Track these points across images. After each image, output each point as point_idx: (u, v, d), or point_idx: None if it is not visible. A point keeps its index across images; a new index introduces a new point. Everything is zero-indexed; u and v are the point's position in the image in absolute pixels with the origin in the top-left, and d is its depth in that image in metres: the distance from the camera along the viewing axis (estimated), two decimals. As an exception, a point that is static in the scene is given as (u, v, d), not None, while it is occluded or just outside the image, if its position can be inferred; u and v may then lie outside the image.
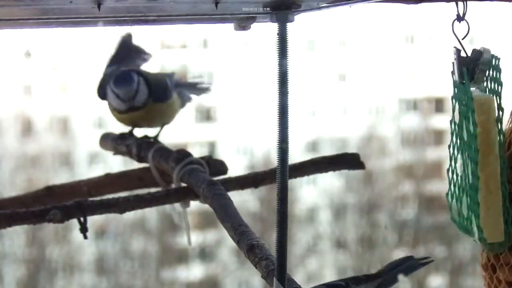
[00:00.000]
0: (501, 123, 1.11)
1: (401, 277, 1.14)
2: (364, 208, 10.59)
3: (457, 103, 1.14)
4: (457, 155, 1.14)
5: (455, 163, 1.14)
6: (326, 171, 1.68)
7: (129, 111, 1.68)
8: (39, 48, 9.52)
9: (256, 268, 1.20)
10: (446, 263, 9.97)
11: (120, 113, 1.67)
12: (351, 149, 9.83)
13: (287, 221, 1.11)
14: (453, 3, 1.11)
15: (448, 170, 1.15)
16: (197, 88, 1.82)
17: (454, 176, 1.15)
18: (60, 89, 10.36)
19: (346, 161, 1.68)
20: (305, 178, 1.69)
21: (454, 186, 1.15)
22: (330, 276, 10.37)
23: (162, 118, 1.73)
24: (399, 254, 10.19)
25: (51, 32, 8.68)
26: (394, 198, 10.59)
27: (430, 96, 11.00)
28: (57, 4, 0.99)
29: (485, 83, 1.13)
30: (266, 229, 8.24)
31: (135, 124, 1.73)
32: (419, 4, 1.14)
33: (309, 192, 10.53)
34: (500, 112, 1.11)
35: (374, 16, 10.19)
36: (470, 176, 1.11)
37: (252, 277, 9.37)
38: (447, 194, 1.16)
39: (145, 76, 1.68)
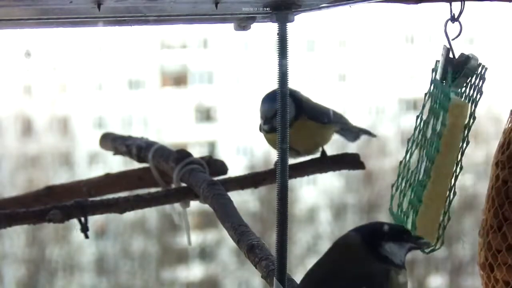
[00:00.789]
0: (468, 131, 1.11)
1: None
2: (364, 208, 10.59)
3: (429, 100, 1.14)
4: (414, 150, 1.15)
5: (410, 157, 1.15)
6: (326, 171, 1.68)
7: (274, 132, 1.63)
8: (39, 48, 9.52)
9: (256, 268, 1.21)
10: (446, 263, 9.97)
11: (267, 133, 1.61)
12: (351, 149, 9.81)
13: (287, 221, 1.11)
14: (453, 3, 1.11)
15: (400, 162, 1.16)
16: (357, 132, 1.76)
17: (405, 170, 1.16)
18: (60, 89, 10.36)
19: (346, 161, 1.68)
20: (305, 178, 1.69)
21: (402, 179, 1.16)
22: (330, 276, 10.38)
23: (316, 139, 1.66)
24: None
25: (51, 32, 8.68)
26: (394, 198, 10.59)
27: (430, 96, 11.00)
28: (57, 4, 0.99)
29: (464, 89, 1.14)
30: (266, 229, 8.24)
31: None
32: (419, 4, 1.14)
33: (309, 192, 10.53)
34: (471, 120, 1.11)
35: (374, 16, 10.19)
36: (422, 173, 1.12)
37: (252, 277, 9.37)
38: (392, 185, 1.17)
39: (295, 96, 1.61)
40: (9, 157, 9.97)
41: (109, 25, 1.13)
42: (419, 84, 11.57)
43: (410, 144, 1.16)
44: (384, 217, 10.67)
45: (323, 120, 1.66)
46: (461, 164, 1.12)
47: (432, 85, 1.14)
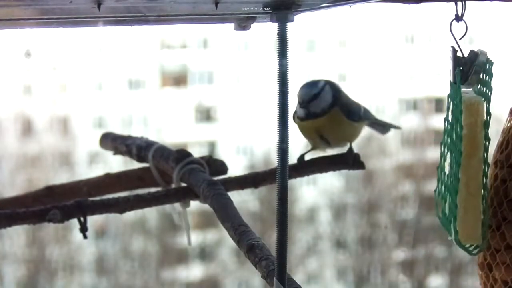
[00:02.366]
0: (488, 128, 1.12)
1: (401, 277, 1.14)
2: (364, 208, 10.59)
3: (451, 102, 1.15)
4: (447, 153, 1.15)
5: (444, 161, 1.16)
6: (326, 171, 1.69)
7: (308, 118, 1.61)
8: (39, 48, 9.52)
9: (256, 268, 1.21)
10: (446, 263, 9.98)
11: (301, 121, 1.61)
12: (351, 149, 9.81)
13: (287, 221, 1.11)
14: (453, 3, 1.11)
15: (438, 167, 1.16)
16: (385, 126, 1.81)
17: (442, 174, 1.16)
18: (60, 89, 10.36)
19: (346, 161, 1.68)
20: (305, 178, 1.70)
21: (442, 184, 1.17)
22: (330, 276, 10.38)
23: (345, 132, 1.66)
24: (399, 254, 10.20)
25: (51, 32, 8.69)
26: (394, 198, 10.60)
27: (430, 96, 11.00)
28: (57, 4, 0.99)
29: (478, 86, 1.14)
30: (266, 229, 8.24)
31: (318, 133, 1.64)
32: (419, 4, 1.14)
33: (309, 192, 10.53)
34: (488, 117, 1.11)
35: (374, 16, 10.19)
36: (453, 177, 1.12)
37: (252, 277, 9.37)
38: (435, 190, 1.17)
39: (334, 86, 1.63)
40: (9, 157, 9.97)
41: (109, 25, 1.13)
42: (419, 84, 11.63)
43: (442, 148, 1.16)
44: (384, 217, 10.68)
45: (353, 117, 1.66)
46: (487, 161, 1.12)
47: (451, 87, 1.15)
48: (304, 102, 1.59)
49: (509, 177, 1.14)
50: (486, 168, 1.12)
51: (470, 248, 1.14)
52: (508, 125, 1.18)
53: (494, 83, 1.13)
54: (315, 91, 1.59)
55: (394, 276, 10.08)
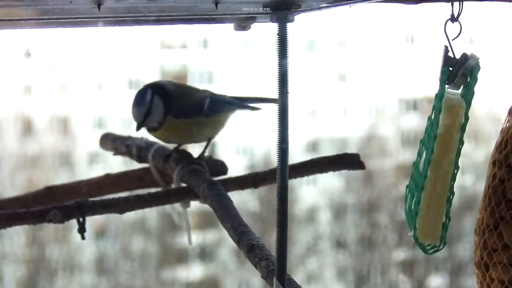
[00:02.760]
0: (464, 132, 1.13)
1: (401, 277, 1.15)
2: (364, 208, 10.58)
3: (437, 101, 1.15)
4: (424, 151, 1.16)
5: (420, 158, 1.16)
6: (326, 171, 1.69)
7: (151, 131, 1.65)
8: (39, 48, 9.51)
9: (256, 268, 1.21)
10: (446, 263, 9.97)
11: (149, 132, 1.66)
12: (351, 149, 9.83)
13: (287, 221, 1.11)
14: (453, 3, 1.12)
15: (413, 163, 1.17)
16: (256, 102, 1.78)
17: (415, 171, 1.17)
18: (60, 89, 10.36)
19: (346, 161, 1.69)
20: (305, 178, 1.70)
21: (413, 180, 1.17)
22: (330, 276, 10.38)
23: (194, 133, 1.67)
24: (399, 254, 10.20)
25: (51, 32, 8.68)
26: (394, 198, 10.59)
27: (430, 96, 10.95)
28: (57, 4, 0.99)
29: (462, 89, 1.15)
30: (266, 229, 8.24)
31: (168, 141, 1.68)
32: (419, 4, 1.14)
33: (309, 192, 10.53)
34: (466, 121, 1.12)
35: (374, 16, 10.19)
36: (423, 174, 1.13)
37: (252, 277, 9.37)
38: (406, 186, 1.18)
39: (164, 92, 1.62)
40: (9, 157, 9.97)
41: (109, 25, 1.13)
42: (419, 84, 11.63)
43: (420, 145, 1.16)
44: (384, 217, 10.68)
45: (193, 115, 1.64)
46: (457, 165, 1.13)
47: (439, 86, 1.15)
48: (138, 125, 1.62)
49: (508, 177, 1.15)
50: (456, 171, 1.13)
51: (427, 247, 1.15)
52: (507, 125, 1.18)
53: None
54: (144, 110, 1.59)
55: (394, 276, 10.08)
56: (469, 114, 1.10)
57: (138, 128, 1.61)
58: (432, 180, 1.11)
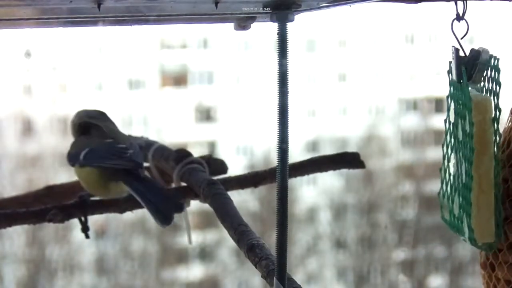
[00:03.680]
0: (498, 123, 1.12)
1: (401, 277, 1.15)
2: (364, 208, 10.58)
3: (452, 102, 1.14)
4: (451, 154, 1.15)
5: (448, 162, 1.15)
6: (326, 170, 1.69)
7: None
8: (39, 48, 9.51)
9: (256, 268, 1.21)
10: (446, 263, 9.97)
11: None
12: (351, 149, 9.79)
13: (287, 221, 1.11)
14: (453, 3, 1.11)
15: (441, 169, 1.16)
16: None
17: (447, 175, 1.16)
18: (60, 89, 10.36)
19: (346, 160, 1.68)
20: (305, 178, 1.69)
21: (446, 185, 1.16)
22: (330, 276, 10.38)
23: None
24: (399, 254, 10.20)
25: (51, 32, 8.68)
26: (394, 198, 10.59)
27: (430, 96, 10.99)
28: (57, 4, 0.99)
29: (482, 83, 1.14)
30: (266, 229, 8.23)
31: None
32: (419, 4, 1.14)
33: (309, 192, 10.53)
34: (497, 112, 1.11)
35: (374, 16, 10.19)
36: (464, 176, 1.11)
37: (252, 277, 9.37)
38: (438, 193, 1.17)
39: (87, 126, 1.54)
40: (9, 157, 9.97)
41: (109, 25, 1.13)
42: (419, 84, 11.62)
43: (445, 149, 1.15)
44: (384, 217, 10.68)
45: (70, 162, 1.54)
46: (498, 158, 1.12)
47: (451, 87, 1.14)
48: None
49: (511, 177, 1.14)
50: (498, 165, 1.12)
51: (484, 247, 1.14)
52: (509, 124, 1.18)
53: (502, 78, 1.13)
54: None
55: (394, 276, 10.08)
56: (499, 106, 1.10)
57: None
58: (476, 180, 1.10)
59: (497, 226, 1.12)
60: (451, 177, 1.14)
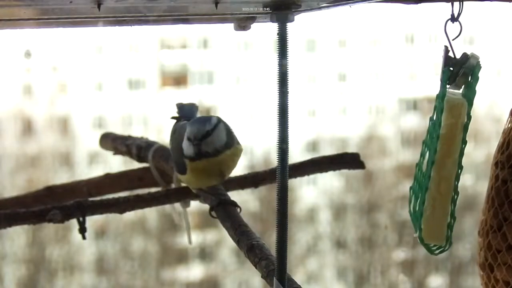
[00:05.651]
0: (466, 131, 1.12)
1: (401, 277, 1.15)
2: (364, 208, 10.59)
3: (437, 101, 1.15)
4: (426, 152, 1.15)
5: (423, 159, 1.16)
6: (326, 170, 1.68)
7: (197, 158, 1.43)
8: (39, 48, 9.52)
9: (256, 268, 1.21)
10: (446, 263, 9.97)
11: (191, 160, 1.42)
12: (351, 149, 9.82)
13: (287, 221, 1.11)
14: (454, 3, 1.11)
15: (416, 164, 1.16)
16: None
17: (419, 172, 1.16)
18: (60, 89, 10.36)
19: (346, 160, 1.68)
20: (305, 178, 1.69)
21: (417, 181, 1.16)
22: (330, 276, 10.38)
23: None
24: (399, 254, 10.20)
25: (51, 32, 8.68)
26: (394, 198, 10.59)
27: (430, 96, 10.99)
28: (57, 4, 0.99)
29: (464, 89, 1.14)
30: (266, 229, 8.24)
31: (203, 182, 1.48)
32: (419, 4, 1.14)
33: (309, 192, 10.53)
34: (468, 120, 1.12)
35: (374, 16, 10.19)
36: (426, 175, 1.12)
37: (252, 277, 9.37)
38: (410, 187, 1.17)
39: (227, 125, 1.47)
40: (9, 157, 9.97)
41: (109, 25, 1.13)
42: (419, 84, 11.62)
43: (423, 146, 1.16)
44: (384, 217, 10.68)
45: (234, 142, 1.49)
46: (461, 164, 1.12)
47: (441, 86, 1.15)
48: (195, 140, 1.41)
49: (510, 178, 1.14)
50: (459, 171, 1.12)
51: (433, 248, 1.15)
52: (509, 125, 1.18)
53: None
54: (207, 128, 1.41)
55: (394, 276, 10.08)
56: (470, 114, 1.10)
57: (195, 143, 1.40)
58: (436, 181, 1.10)
59: (448, 231, 1.13)
60: (421, 174, 1.15)
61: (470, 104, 1.12)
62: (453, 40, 1.11)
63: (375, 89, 11.19)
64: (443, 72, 1.11)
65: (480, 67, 1.12)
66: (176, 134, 1.50)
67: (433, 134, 1.12)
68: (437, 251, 1.15)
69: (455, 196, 1.13)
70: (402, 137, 11.23)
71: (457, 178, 1.12)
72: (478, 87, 1.12)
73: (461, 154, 1.12)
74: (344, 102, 11.20)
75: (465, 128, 1.11)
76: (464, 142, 1.12)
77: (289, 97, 1.10)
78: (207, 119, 1.44)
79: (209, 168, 1.43)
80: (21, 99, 10.19)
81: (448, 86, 1.12)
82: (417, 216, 1.13)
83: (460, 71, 1.12)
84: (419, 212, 1.12)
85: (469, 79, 1.13)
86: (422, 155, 1.15)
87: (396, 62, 11.27)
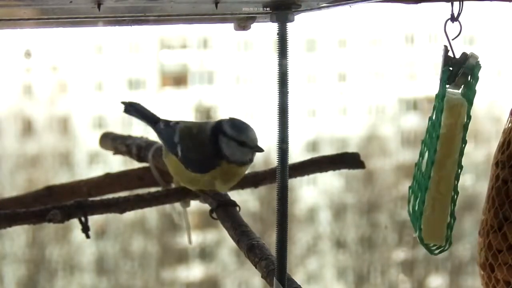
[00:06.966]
0: (466, 131, 1.11)
1: (401, 277, 1.15)
2: (364, 208, 10.58)
3: (437, 101, 1.14)
4: (425, 152, 1.15)
5: (422, 159, 1.15)
6: (326, 170, 1.69)
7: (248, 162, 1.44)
8: (39, 48, 9.51)
9: (256, 268, 1.21)
10: (446, 263, 9.97)
11: (239, 166, 1.45)
12: (351, 149, 9.80)
13: (287, 221, 1.11)
14: (454, 3, 1.11)
15: (415, 164, 1.16)
16: None
17: (418, 172, 1.16)
18: (60, 89, 10.36)
19: (346, 160, 1.68)
20: (305, 178, 1.69)
21: (416, 181, 1.16)
22: (330, 276, 10.37)
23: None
24: (399, 254, 10.19)
25: (51, 32, 8.68)
26: (394, 198, 10.59)
27: (430, 96, 10.99)
28: (57, 4, 0.99)
29: (463, 89, 1.14)
30: (266, 229, 8.24)
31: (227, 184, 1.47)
32: (419, 4, 1.14)
33: (309, 192, 10.53)
34: (468, 120, 1.11)
35: (374, 16, 10.19)
36: (426, 175, 1.12)
37: (252, 277, 9.37)
38: (409, 187, 1.17)
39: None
40: (9, 157, 9.97)
41: (109, 25, 1.13)
42: (419, 84, 11.61)
43: (422, 146, 1.16)
44: (384, 217, 10.68)
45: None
46: (461, 164, 1.12)
47: (439, 86, 1.15)
48: (257, 146, 1.45)
49: (511, 178, 1.14)
50: (459, 171, 1.12)
51: (433, 248, 1.15)
52: (509, 125, 1.18)
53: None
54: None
55: (394, 276, 10.07)
56: (470, 114, 1.10)
57: (257, 149, 1.44)
58: (436, 181, 1.10)
59: (448, 231, 1.12)
60: (420, 174, 1.15)
61: (470, 104, 1.12)
62: (453, 40, 1.11)
63: (375, 89, 11.19)
64: (443, 71, 1.11)
65: (480, 67, 1.12)
66: (198, 133, 1.49)
67: (433, 134, 1.12)
68: (437, 251, 1.15)
69: (455, 196, 1.12)
70: (402, 137, 11.22)
71: (457, 178, 1.12)
72: (478, 87, 1.12)
73: (461, 154, 1.12)
74: (344, 102, 11.19)
75: (465, 128, 1.11)
76: (464, 142, 1.12)
77: (289, 97, 1.10)
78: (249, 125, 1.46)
79: (238, 174, 1.46)
80: (21, 99, 10.18)
81: (447, 86, 1.12)
82: (417, 216, 1.13)
83: (460, 71, 1.12)
84: (418, 212, 1.12)
85: (469, 79, 1.12)
86: (421, 155, 1.15)
87: (396, 62, 11.26)
